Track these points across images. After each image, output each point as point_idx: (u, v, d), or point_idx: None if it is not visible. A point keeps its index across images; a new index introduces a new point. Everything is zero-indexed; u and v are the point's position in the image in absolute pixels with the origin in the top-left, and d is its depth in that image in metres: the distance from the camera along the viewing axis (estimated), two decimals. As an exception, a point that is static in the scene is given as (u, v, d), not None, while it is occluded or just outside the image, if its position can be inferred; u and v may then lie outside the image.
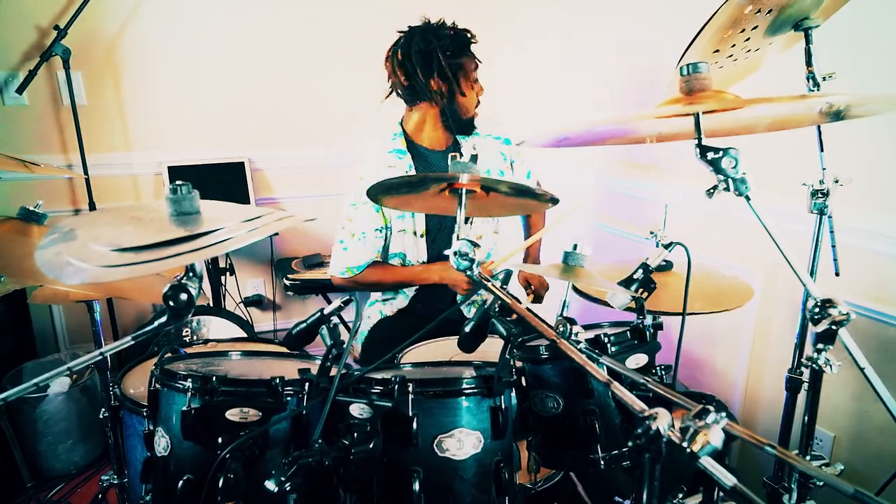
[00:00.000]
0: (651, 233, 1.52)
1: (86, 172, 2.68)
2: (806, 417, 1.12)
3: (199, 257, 0.79)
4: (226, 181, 3.01)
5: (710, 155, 0.97)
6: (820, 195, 1.49)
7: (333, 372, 1.17)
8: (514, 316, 1.03)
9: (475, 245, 1.02)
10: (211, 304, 2.97)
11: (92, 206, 2.73)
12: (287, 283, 2.87)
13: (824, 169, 1.47)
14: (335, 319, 1.23)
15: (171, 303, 0.93)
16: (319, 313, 1.21)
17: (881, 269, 1.79)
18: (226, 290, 3.03)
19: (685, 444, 0.74)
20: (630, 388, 1.16)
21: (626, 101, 2.79)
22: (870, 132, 1.76)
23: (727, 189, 0.99)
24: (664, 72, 2.53)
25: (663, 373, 1.24)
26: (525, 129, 2.75)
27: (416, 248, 2.03)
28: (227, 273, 3.01)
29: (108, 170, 2.85)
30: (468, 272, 1.02)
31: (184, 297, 0.93)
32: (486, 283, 1.01)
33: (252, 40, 2.96)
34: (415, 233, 2.01)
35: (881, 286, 1.80)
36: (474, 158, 1.04)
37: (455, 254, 1.01)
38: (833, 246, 1.58)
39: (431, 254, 2.04)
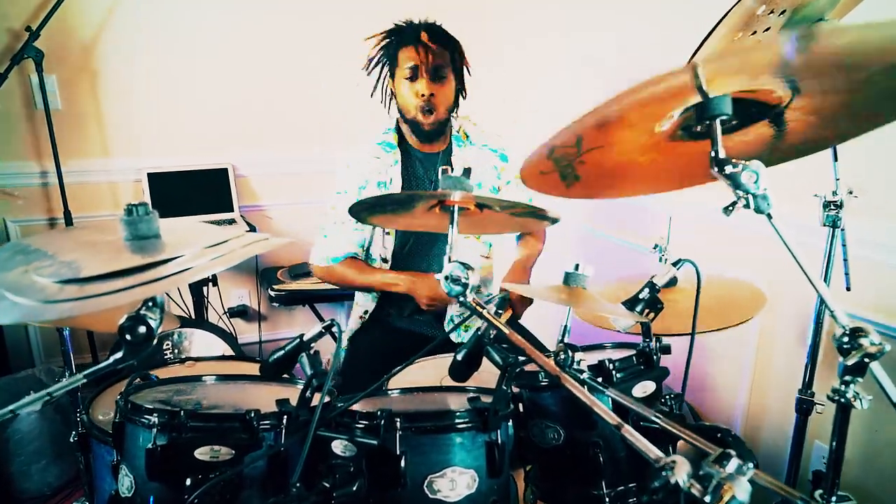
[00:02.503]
0: (655, 246, 1.43)
1: (60, 179, 2.57)
2: (831, 458, 1.02)
3: (154, 291, 0.69)
4: (209, 188, 2.90)
5: (729, 168, 0.88)
6: (833, 207, 1.41)
7: (315, 401, 1.07)
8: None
9: (468, 268, 0.92)
10: (193, 316, 2.86)
11: (67, 215, 2.61)
12: (272, 293, 2.76)
13: (838, 179, 1.39)
14: (316, 346, 1.14)
15: (127, 336, 0.83)
16: (299, 340, 1.11)
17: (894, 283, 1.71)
18: (208, 301, 2.92)
19: (708, 500, 0.66)
20: (637, 421, 1.07)
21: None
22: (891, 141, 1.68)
23: (747, 206, 0.89)
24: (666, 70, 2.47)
25: (673, 402, 1.15)
26: (524, 132, 2.66)
27: (382, 244, 1.97)
28: (210, 283, 2.90)
29: (84, 177, 2.73)
30: (461, 298, 0.92)
31: (142, 330, 0.82)
32: (479, 310, 0.92)
33: (238, 42, 2.86)
34: (383, 228, 1.94)
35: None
36: (467, 173, 0.95)
37: (446, 278, 0.92)
38: (845, 260, 1.50)
39: (397, 254, 1.98)
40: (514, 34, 3.11)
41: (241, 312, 3.15)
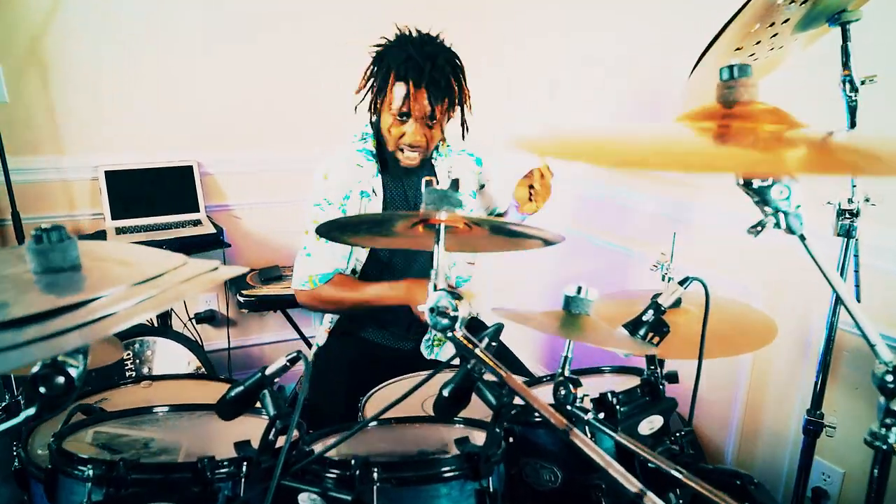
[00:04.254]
0: (656, 263, 1.31)
1: (7, 178, 2.37)
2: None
3: (62, 347, 0.55)
4: (172, 187, 2.71)
5: (757, 182, 0.76)
6: (847, 216, 1.30)
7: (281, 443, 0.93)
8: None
9: (457, 297, 0.79)
10: (156, 324, 2.68)
11: (16, 217, 2.41)
12: (241, 299, 2.60)
13: (854, 186, 1.28)
14: (283, 380, 0.99)
15: (42, 389, 0.67)
16: (260, 374, 0.96)
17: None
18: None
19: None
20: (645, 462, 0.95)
21: (627, 99, 2.58)
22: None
23: (777, 226, 0.77)
24: (667, 70, 2.34)
25: (683, 441, 1.03)
26: (523, 131, 2.52)
27: (354, 255, 1.80)
28: (175, 288, 2.72)
29: (35, 175, 2.53)
30: (448, 333, 0.78)
31: (60, 381, 0.67)
32: (471, 347, 0.78)
33: (204, 30, 2.67)
34: None
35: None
36: (455, 185, 0.81)
37: (432, 311, 0.78)
38: (856, 271, 1.40)
39: (368, 266, 1.83)
40: (514, 33, 2.97)
41: (208, 318, 2.98)
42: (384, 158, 1.79)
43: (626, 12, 2.44)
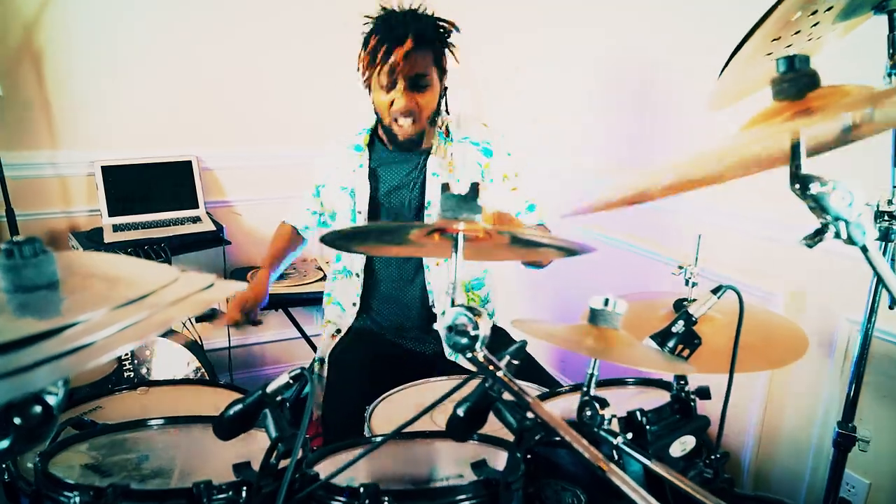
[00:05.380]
0: (679, 267, 1.23)
1: (1, 174, 2.30)
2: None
3: (27, 386, 0.47)
4: (171, 183, 2.64)
5: (816, 188, 0.68)
6: (887, 217, 1.22)
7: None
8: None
9: (476, 314, 0.71)
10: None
11: (10, 214, 2.34)
12: (242, 298, 2.52)
13: (895, 186, 1.20)
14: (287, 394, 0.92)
15: (16, 420, 0.60)
16: (261, 392, 0.89)
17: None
18: (172, 305, 2.67)
19: None
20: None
21: (616, 92, 2.50)
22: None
23: (838, 235, 0.69)
24: (660, 67, 2.27)
25: (719, 465, 0.96)
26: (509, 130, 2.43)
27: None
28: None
29: (29, 170, 2.46)
30: (468, 355, 0.71)
31: (37, 410, 0.60)
32: (492, 369, 0.71)
33: (203, 20, 2.59)
34: (359, 212, 1.79)
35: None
36: (474, 189, 0.73)
37: (449, 329, 0.71)
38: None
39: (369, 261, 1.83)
40: (504, 25, 2.87)
41: (208, 316, 2.91)
42: (375, 154, 1.79)
43: (615, 7, 2.37)
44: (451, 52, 1.69)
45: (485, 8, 2.76)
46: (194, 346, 2.41)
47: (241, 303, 1.77)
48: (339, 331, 1.85)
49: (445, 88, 1.73)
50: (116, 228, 2.45)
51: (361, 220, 1.75)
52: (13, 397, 0.47)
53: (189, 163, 2.65)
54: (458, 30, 1.68)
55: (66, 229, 2.55)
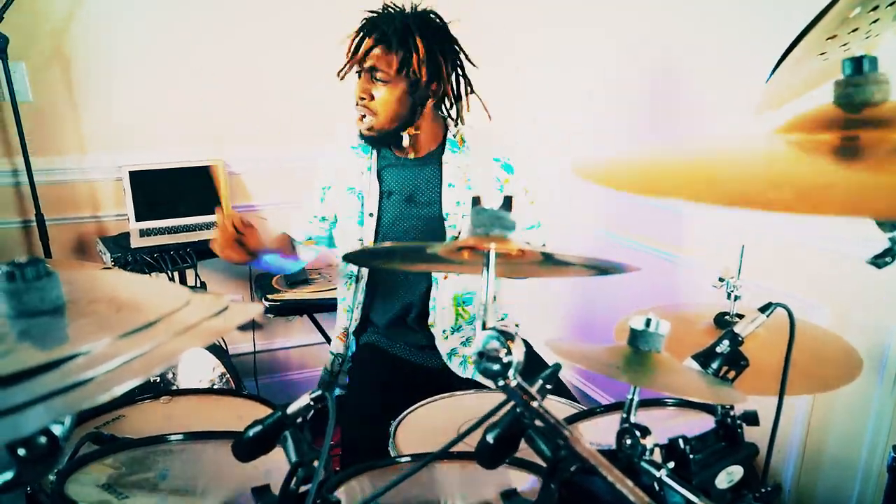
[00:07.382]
0: (720, 279, 1.16)
1: (31, 179, 2.31)
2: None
3: (21, 430, 0.43)
4: (198, 187, 2.63)
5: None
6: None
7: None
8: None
9: (510, 338, 0.66)
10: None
11: (40, 219, 2.36)
12: (266, 304, 2.50)
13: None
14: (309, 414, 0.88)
15: (20, 451, 0.57)
16: (280, 414, 0.85)
17: None
18: (198, 310, 2.66)
19: None
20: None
21: (616, 92, 2.42)
22: None
23: (910, 257, 0.63)
24: (661, 67, 2.18)
25: (771, 499, 0.89)
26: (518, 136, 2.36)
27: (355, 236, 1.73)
28: (198, 286, 2.64)
29: (59, 175, 2.48)
30: (500, 383, 0.66)
31: (42, 441, 0.57)
32: (525, 399, 0.66)
33: (231, 22, 2.58)
34: (370, 214, 1.72)
35: None
36: (507, 203, 0.68)
37: (480, 355, 0.65)
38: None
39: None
40: (505, 27, 2.82)
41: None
42: (383, 155, 1.74)
43: (623, 7, 2.29)
44: (443, 57, 1.61)
45: (485, 8, 2.70)
46: (219, 352, 2.40)
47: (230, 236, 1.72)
48: (345, 329, 1.83)
49: (440, 94, 1.65)
50: (143, 233, 2.45)
51: (372, 223, 1.69)
52: (9, 440, 0.43)
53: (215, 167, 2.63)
54: (455, 42, 1.65)
55: (95, 234, 2.56)
